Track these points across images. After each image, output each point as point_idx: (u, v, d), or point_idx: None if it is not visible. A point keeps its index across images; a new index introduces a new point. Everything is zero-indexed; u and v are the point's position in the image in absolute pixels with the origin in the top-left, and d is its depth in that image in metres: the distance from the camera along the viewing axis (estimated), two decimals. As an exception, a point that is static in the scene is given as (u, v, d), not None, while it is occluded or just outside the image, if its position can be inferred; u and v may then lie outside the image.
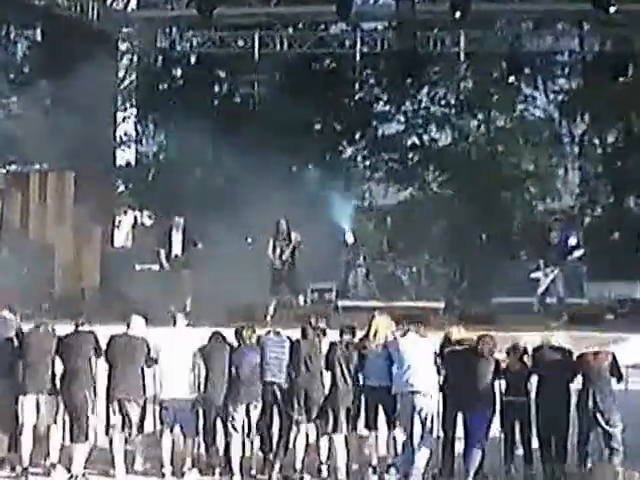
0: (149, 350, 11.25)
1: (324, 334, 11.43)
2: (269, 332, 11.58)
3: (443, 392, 11.02)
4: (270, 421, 11.32)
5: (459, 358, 10.97)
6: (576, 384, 10.78)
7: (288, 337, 11.50)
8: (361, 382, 11.24)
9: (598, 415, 10.52)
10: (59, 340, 11.29)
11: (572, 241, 17.39)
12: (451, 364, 11.02)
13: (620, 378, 10.77)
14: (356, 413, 11.22)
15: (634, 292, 18.56)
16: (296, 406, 11.14)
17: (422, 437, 10.80)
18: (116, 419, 11.16)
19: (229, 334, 11.50)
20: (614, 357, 10.75)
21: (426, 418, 10.82)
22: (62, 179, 19.97)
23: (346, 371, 11.16)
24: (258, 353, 11.25)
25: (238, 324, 11.71)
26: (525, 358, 11.02)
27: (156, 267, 17.21)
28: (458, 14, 18.07)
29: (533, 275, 16.90)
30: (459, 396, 10.87)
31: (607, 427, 10.50)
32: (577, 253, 17.19)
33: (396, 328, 11.42)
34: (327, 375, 11.29)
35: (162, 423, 11.27)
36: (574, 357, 10.89)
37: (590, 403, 10.54)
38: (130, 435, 11.24)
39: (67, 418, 11.21)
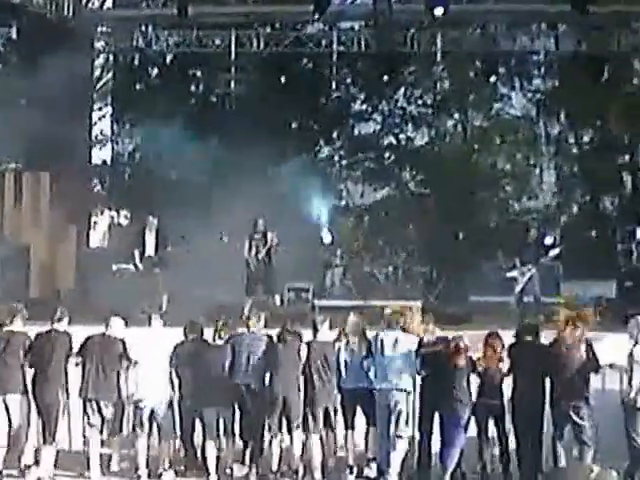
0: (125, 350, 11.18)
1: (300, 338, 11.39)
2: (244, 331, 11.50)
3: (419, 391, 11.02)
4: (245, 422, 11.27)
5: (435, 357, 10.98)
6: (550, 377, 10.79)
7: (268, 336, 11.43)
8: (338, 382, 11.20)
9: (570, 410, 10.56)
10: (32, 340, 11.22)
11: (548, 240, 17.48)
12: (427, 363, 11.02)
13: (597, 369, 10.80)
14: (333, 413, 11.19)
15: (609, 291, 18.61)
16: (271, 409, 11.08)
17: (399, 435, 10.81)
18: (91, 420, 11.10)
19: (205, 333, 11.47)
20: (590, 345, 10.77)
21: (401, 415, 10.82)
22: (37, 178, 19.85)
23: (321, 371, 11.13)
24: (229, 353, 11.18)
25: (213, 322, 11.66)
26: (501, 356, 11.03)
27: (132, 267, 17.16)
28: (440, 11, 18.06)
29: (509, 274, 16.97)
30: (436, 395, 10.88)
31: (578, 420, 10.54)
32: (553, 252, 17.27)
33: (375, 326, 11.42)
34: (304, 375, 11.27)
35: (138, 424, 11.21)
36: (548, 348, 10.91)
37: (562, 398, 10.58)
38: (106, 436, 11.18)
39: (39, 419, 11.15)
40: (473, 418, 10.86)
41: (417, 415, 11.03)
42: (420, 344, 11.11)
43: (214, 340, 11.31)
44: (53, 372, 11.04)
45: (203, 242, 18.07)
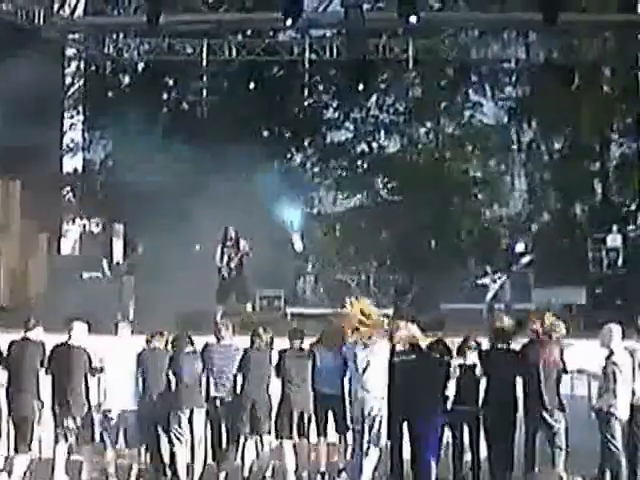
0: (90, 360, 11.09)
1: (271, 344, 11.40)
2: (218, 340, 11.51)
3: (390, 399, 11.02)
4: (215, 431, 11.26)
5: (408, 364, 11.00)
6: (523, 382, 10.85)
7: (237, 345, 11.41)
8: (313, 388, 11.20)
9: (544, 413, 10.63)
10: (6, 348, 11.15)
11: (520, 247, 17.59)
12: (400, 370, 11.03)
13: (564, 370, 10.87)
14: (307, 419, 11.19)
15: (580, 297, 18.73)
16: (244, 417, 11.08)
17: (371, 442, 10.82)
18: (59, 429, 11.05)
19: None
20: (561, 350, 10.85)
21: (375, 422, 10.83)
22: (8, 187, 19.78)
23: (296, 378, 11.15)
24: (201, 362, 11.17)
25: (181, 331, 11.63)
26: (475, 362, 11.07)
27: (102, 275, 17.14)
28: (414, 19, 18.12)
29: (480, 281, 17.06)
30: (410, 403, 10.89)
31: (551, 422, 10.60)
32: (525, 259, 17.39)
33: (350, 333, 11.43)
34: (278, 382, 11.26)
35: (106, 432, 11.17)
36: (520, 353, 10.97)
37: (536, 401, 10.63)
38: (74, 445, 11.13)
39: (11, 427, 11.08)
40: (448, 425, 10.90)
41: (387, 423, 11.03)
42: (393, 352, 11.13)
43: (183, 348, 11.27)
44: (27, 381, 10.98)
45: (174, 250, 18.05)
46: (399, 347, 11.14)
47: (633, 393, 10.59)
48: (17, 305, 17.70)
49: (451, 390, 10.99)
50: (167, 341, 11.35)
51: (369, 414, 10.82)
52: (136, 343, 11.47)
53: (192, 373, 11.08)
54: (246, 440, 11.12)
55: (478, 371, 11.00)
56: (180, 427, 11.02)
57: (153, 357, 11.20)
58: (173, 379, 11.10)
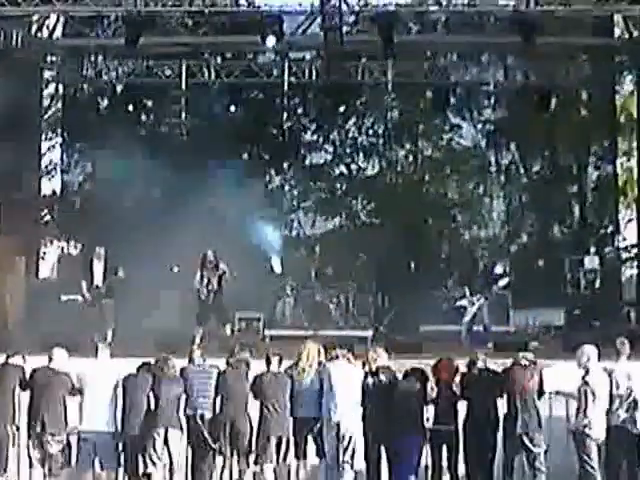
0: (72, 384, 11.09)
1: (247, 365, 11.42)
2: (192, 362, 11.51)
3: (366, 421, 11.04)
4: (195, 453, 11.25)
5: (384, 386, 11.04)
6: (503, 406, 10.91)
7: (215, 367, 11.47)
8: (291, 412, 11.21)
9: (524, 437, 10.69)
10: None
11: (498, 269, 17.68)
12: (374, 393, 11.07)
13: (541, 392, 10.95)
14: (286, 443, 11.20)
15: (557, 319, 18.84)
16: (222, 438, 11.08)
17: (348, 465, 10.84)
18: (36, 453, 10.99)
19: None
20: (540, 372, 10.93)
21: (350, 445, 10.86)
22: (-15, 209, 19.73)
23: (274, 401, 11.14)
24: (181, 385, 11.18)
25: (161, 355, 11.63)
26: (453, 384, 11.12)
27: (80, 298, 17.09)
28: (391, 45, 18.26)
29: (459, 303, 17.12)
30: (386, 426, 10.92)
31: (532, 447, 10.66)
32: (503, 282, 17.47)
33: (326, 355, 11.46)
34: (256, 405, 11.26)
35: (84, 456, 11.11)
36: (501, 376, 11.05)
37: (516, 425, 10.69)
38: (51, 469, 11.06)
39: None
40: (427, 445, 10.93)
41: (364, 446, 11.05)
42: (368, 374, 11.17)
43: (162, 371, 11.26)
44: (3, 404, 10.96)
45: (153, 272, 18.05)
46: (373, 371, 11.22)
47: (610, 413, 10.68)
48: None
49: (429, 411, 11.04)
50: (157, 363, 11.33)
51: (343, 437, 10.86)
52: (115, 366, 11.46)
53: (169, 395, 11.06)
54: (225, 462, 11.12)
55: (455, 390, 11.06)
56: (155, 449, 10.96)
57: (134, 381, 11.17)
58: (152, 402, 11.06)
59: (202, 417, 11.16)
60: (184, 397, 11.18)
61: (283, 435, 11.12)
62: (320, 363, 11.34)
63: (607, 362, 10.98)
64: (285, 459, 11.18)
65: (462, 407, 11.11)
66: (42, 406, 10.96)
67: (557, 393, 11.39)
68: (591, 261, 19.21)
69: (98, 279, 16.70)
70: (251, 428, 11.16)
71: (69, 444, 11.13)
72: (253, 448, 11.12)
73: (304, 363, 11.31)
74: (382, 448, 11.03)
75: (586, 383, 10.64)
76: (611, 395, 10.73)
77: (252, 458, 11.10)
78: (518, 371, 10.98)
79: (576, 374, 10.86)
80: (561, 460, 10.83)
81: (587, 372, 10.70)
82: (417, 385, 11.03)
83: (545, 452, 10.76)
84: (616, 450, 10.73)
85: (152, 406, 11.05)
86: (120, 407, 11.10)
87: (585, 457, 10.56)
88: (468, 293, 17.19)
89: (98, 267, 16.76)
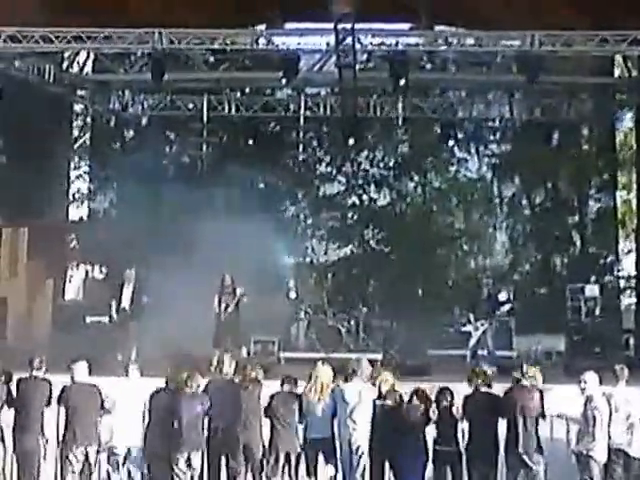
0: (102, 398, 11.06)
1: (260, 384, 11.41)
2: (210, 382, 11.49)
3: (373, 440, 11.00)
4: (210, 469, 11.22)
5: (390, 407, 11.02)
6: (504, 426, 10.86)
7: (230, 385, 11.42)
8: (303, 433, 11.16)
9: (524, 456, 10.64)
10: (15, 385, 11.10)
11: (502, 296, 17.63)
12: (381, 413, 11.04)
13: (543, 415, 10.89)
14: (295, 459, 11.15)
15: (559, 345, 18.76)
16: (237, 456, 11.06)
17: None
18: (71, 467, 10.91)
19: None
20: (541, 395, 10.88)
21: (361, 462, 10.84)
22: (16, 234, 19.83)
23: (283, 419, 11.11)
24: (202, 402, 11.18)
25: (184, 373, 11.62)
26: (454, 406, 11.08)
27: (105, 319, 17.10)
28: (403, 81, 18.29)
29: (464, 328, 17.08)
30: (391, 446, 10.88)
31: (531, 464, 10.61)
32: (506, 308, 17.42)
33: (341, 376, 11.45)
34: (268, 424, 11.23)
35: (112, 470, 11.09)
36: (501, 398, 11.00)
37: (517, 445, 10.64)
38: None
39: (15, 464, 10.99)
40: (430, 466, 10.88)
41: (370, 463, 11.00)
42: (378, 396, 11.16)
43: (183, 389, 11.26)
44: (33, 418, 10.92)
45: (173, 296, 18.03)
46: (382, 392, 11.20)
47: (610, 436, 10.63)
48: (22, 347, 17.62)
49: (432, 432, 11.01)
50: (179, 382, 11.33)
51: (355, 453, 10.84)
52: (141, 384, 11.45)
53: (191, 413, 11.04)
54: (237, 478, 11.10)
55: (456, 412, 11.01)
56: (180, 468, 10.94)
57: (160, 398, 11.17)
58: (176, 420, 11.05)
59: (221, 433, 11.13)
60: (204, 413, 11.15)
61: (292, 451, 11.09)
62: (332, 384, 11.32)
63: (606, 387, 10.93)
64: (296, 475, 11.14)
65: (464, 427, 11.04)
66: (74, 421, 10.89)
67: (558, 416, 11.34)
68: (591, 290, 19.12)
69: (126, 302, 16.71)
70: (263, 445, 11.13)
71: (98, 459, 11.10)
72: (264, 464, 11.09)
73: (316, 385, 11.28)
74: (387, 465, 10.99)
75: (592, 408, 10.60)
76: (610, 419, 10.68)
77: (264, 474, 11.06)
78: (519, 392, 10.93)
79: (577, 398, 10.83)
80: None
81: (591, 398, 10.66)
82: (421, 407, 10.98)
83: (545, 473, 10.68)
84: (615, 473, 10.66)
85: (175, 424, 11.02)
86: (145, 424, 11.09)
87: (588, 479, 10.52)
88: (472, 319, 17.14)
89: (127, 290, 16.77)
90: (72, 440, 10.87)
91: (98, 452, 11.06)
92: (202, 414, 11.11)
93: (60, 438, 10.98)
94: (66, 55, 21.02)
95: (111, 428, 11.14)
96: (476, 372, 11.46)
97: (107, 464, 11.15)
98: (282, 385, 11.44)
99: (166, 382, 11.36)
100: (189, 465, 10.97)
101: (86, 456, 10.88)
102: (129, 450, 11.06)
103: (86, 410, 10.94)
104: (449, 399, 11.02)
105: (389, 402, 11.05)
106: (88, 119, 24.68)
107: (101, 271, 24.16)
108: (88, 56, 21.79)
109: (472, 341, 16.95)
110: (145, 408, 11.12)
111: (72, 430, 10.88)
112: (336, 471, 11.10)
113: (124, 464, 11.05)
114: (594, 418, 10.56)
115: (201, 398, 11.19)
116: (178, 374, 11.46)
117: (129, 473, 11.09)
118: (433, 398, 11.06)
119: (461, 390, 11.22)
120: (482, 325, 16.84)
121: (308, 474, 11.21)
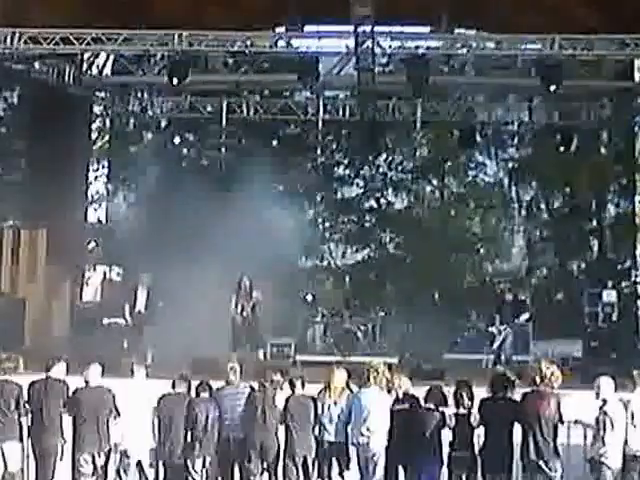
0: (114, 400, 11.05)
1: (280, 387, 11.39)
2: (227, 384, 11.48)
3: (389, 444, 10.97)
4: (225, 473, 11.21)
5: (405, 413, 10.98)
6: (520, 431, 10.79)
7: (250, 386, 11.44)
8: (318, 435, 11.14)
9: (540, 462, 10.55)
10: (27, 388, 11.12)
11: (522, 302, 17.59)
12: (397, 418, 11.00)
13: (561, 420, 10.80)
14: (311, 463, 11.12)
15: (576, 350, 18.67)
16: (253, 458, 11.04)
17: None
18: (82, 470, 10.90)
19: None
20: (558, 400, 10.80)
21: (377, 467, 10.80)
22: (35, 235, 19.88)
23: (298, 423, 11.09)
24: (215, 406, 11.16)
25: (199, 377, 11.62)
26: (472, 412, 11.02)
27: (122, 321, 17.12)
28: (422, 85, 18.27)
29: (490, 329, 17.04)
30: (407, 450, 10.84)
31: (547, 471, 10.52)
32: (524, 313, 17.37)
33: (357, 379, 11.42)
34: (282, 427, 11.21)
35: (124, 473, 11.10)
36: (518, 403, 10.92)
37: (532, 450, 10.56)
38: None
39: (33, 464, 10.99)
40: (446, 471, 10.83)
41: (385, 468, 10.96)
42: (394, 401, 11.12)
43: (197, 393, 11.25)
44: (50, 419, 10.92)
45: (189, 299, 18.05)
46: (397, 396, 11.16)
47: (626, 443, 10.55)
48: (40, 348, 17.66)
49: (448, 437, 10.95)
50: (189, 386, 11.33)
51: (372, 459, 10.80)
52: (151, 386, 11.45)
53: (203, 417, 11.02)
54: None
55: (473, 418, 10.95)
56: (194, 473, 10.96)
57: (171, 401, 11.16)
58: (192, 423, 11.03)
59: (233, 438, 11.11)
60: (217, 418, 11.13)
61: (308, 455, 11.06)
62: (349, 388, 11.29)
63: (623, 393, 10.85)
64: (312, 479, 11.11)
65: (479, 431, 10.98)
66: (87, 424, 10.89)
67: (575, 422, 11.26)
68: (609, 295, 19.04)
69: (141, 305, 16.73)
70: (279, 449, 11.11)
71: (108, 460, 11.10)
72: (280, 468, 11.06)
73: (332, 389, 11.25)
74: (401, 468, 10.95)
75: (604, 413, 10.52)
76: (627, 425, 10.60)
77: (280, 478, 11.04)
78: (535, 397, 10.82)
79: (594, 404, 10.74)
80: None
81: (605, 402, 10.58)
82: (437, 413, 10.93)
83: (561, 478, 10.61)
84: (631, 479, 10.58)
85: (188, 428, 11.01)
86: (157, 426, 11.07)
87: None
88: (490, 323, 17.10)
89: (142, 293, 16.79)
90: (82, 443, 10.89)
91: (109, 454, 11.06)
92: (214, 418, 11.08)
93: (72, 441, 10.99)
94: (86, 57, 21.05)
95: (122, 431, 11.13)
96: (500, 376, 11.37)
97: (118, 466, 11.14)
98: (292, 388, 11.38)
99: (172, 385, 11.34)
100: (204, 469, 10.97)
101: (96, 460, 10.86)
102: (139, 453, 11.04)
103: (96, 413, 10.93)
104: (467, 397, 10.94)
105: (405, 406, 11.02)
106: (107, 121, 24.74)
107: (118, 273, 24.23)
108: (108, 58, 21.82)
109: (495, 344, 16.93)
110: (155, 412, 11.09)
111: (82, 433, 10.90)
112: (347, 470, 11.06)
113: (136, 466, 11.03)
114: (605, 423, 10.49)
115: (215, 402, 11.17)
116: (192, 378, 11.47)
117: (140, 476, 11.07)
118: (451, 393, 11.01)
119: (476, 394, 11.16)
120: (504, 330, 16.83)
121: (322, 478, 11.19)
